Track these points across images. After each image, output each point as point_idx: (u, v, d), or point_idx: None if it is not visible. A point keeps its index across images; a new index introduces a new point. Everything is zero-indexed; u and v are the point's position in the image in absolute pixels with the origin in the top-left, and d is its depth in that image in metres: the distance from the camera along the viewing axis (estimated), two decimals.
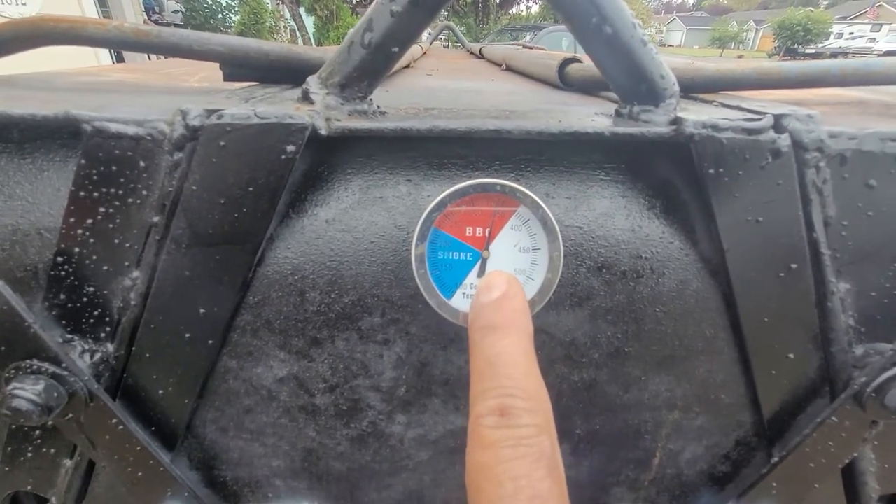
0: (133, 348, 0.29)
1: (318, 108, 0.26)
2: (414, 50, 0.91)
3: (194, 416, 0.32)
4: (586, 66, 0.44)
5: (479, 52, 1.18)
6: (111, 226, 0.27)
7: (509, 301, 0.22)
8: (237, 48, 0.34)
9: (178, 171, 0.26)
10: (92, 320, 0.29)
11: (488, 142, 0.27)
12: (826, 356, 0.30)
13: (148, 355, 0.29)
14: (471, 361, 0.21)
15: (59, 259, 0.27)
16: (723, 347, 0.31)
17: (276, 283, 0.28)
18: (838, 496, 0.35)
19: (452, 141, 0.27)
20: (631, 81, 0.26)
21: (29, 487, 0.33)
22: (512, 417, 0.18)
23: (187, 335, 0.29)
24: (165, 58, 0.39)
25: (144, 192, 0.26)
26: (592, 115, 0.28)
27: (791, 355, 0.30)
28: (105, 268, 0.28)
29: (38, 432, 0.31)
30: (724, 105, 0.30)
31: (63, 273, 0.27)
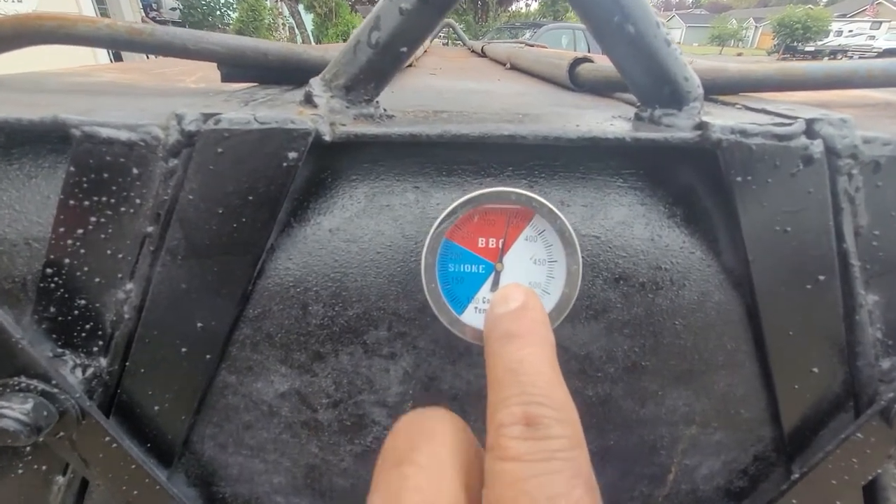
0: (127, 363, 0.27)
1: (322, 113, 0.24)
2: None
3: (192, 432, 0.31)
4: (598, 66, 0.43)
5: (482, 50, 1.16)
6: (103, 236, 0.25)
7: (528, 311, 0.20)
8: (234, 48, 0.32)
9: (174, 178, 0.24)
10: (84, 334, 0.27)
11: (501, 147, 0.25)
12: (851, 370, 0.29)
13: (143, 370, 0.28)
14: (488, 372, 0.19)
15: (49, 270, 0.26)
16: (744, 361, 0.29)
17: (276, 296, 0.27)
18: None
19: (463, 146, 0.25)
20: (653, 84, 0.25)
21: None
22: (541, 428, 0.16)
23: (184, 349, 0.27)
24: (157, 56, 0.37)
25: (138, 201, 0.25)
26: (610, 119, 0.27)
27: (815, 369, 0.29)
28: (97, 280, 0.26)
29: (28, 448, 0.30)
30: (747, 108, 0.29)
31: (53, 285, 0.26)
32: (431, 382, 0.29)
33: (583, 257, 0.27)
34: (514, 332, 0.20)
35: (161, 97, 0.34)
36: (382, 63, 0.24)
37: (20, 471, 0.30)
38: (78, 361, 0.28)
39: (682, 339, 0.28)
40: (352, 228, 0.27)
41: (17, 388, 0.25)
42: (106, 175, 0.24)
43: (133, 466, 0.29)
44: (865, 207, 0.25)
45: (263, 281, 0.27)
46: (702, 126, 0.24)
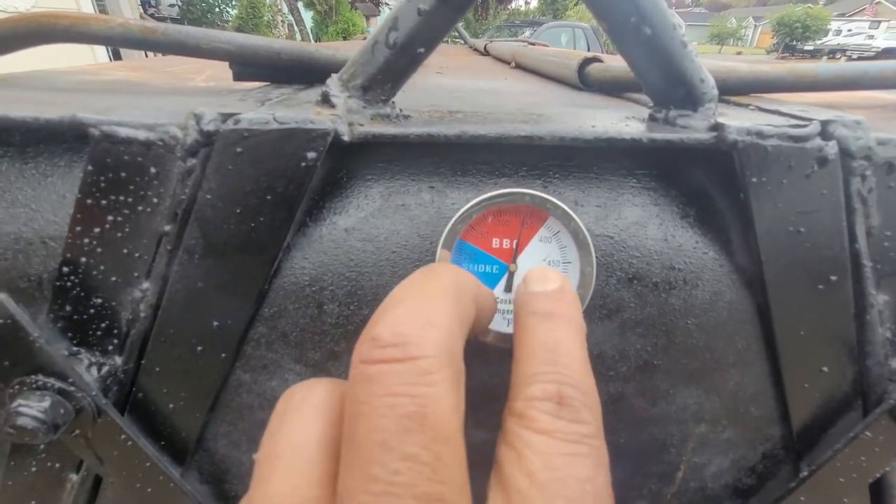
0: (143, 361, 0.28)
1: (340, 113, 0.24)
2: None
3: (205, 430, 0.31)
4: (608, 66, 0.43)
5: (484, 48, 1.16)
6: (120, 235, 0.25)
7: (565, 295, 0.20)
8: (247, 47, 0.32)
9: (192, 178, 0.24)
10: (99, 332, 0.27)
11: (516, 148, 0.26)
12: (861, 369, 0.30)
13: (158, 369, 0.28)
14: (518, 346, 0.19)
15: (65, 269, 0.26)
16: (754, 360, 0.30)
17: (292, 295, 0.27)
18: None
19: (479, 147, 0.25)
20: (668, 85, 0.25)
21: (32, 503, 0.32)
22: (572, 410, 0.17)
23: (199, 348, 0.27)
24: (164, 55, 0.37)
25: (155, 200, 0.25)
26: (625, 120, 0.27)
27: (825, 368, 0.29)
28: (113, 278, 0.26)
29: (42, 446, 0.30)
30: (760, 109, 0.29)
31: (69, 284, 0.26)
32: None
33: (597, 257, 0.27)
34: (552, 311, 0.20)
35: (175, 96, 0.34)
36: (400, 63, 0.24)
37: (34, 468, 0.30)
38: (94, 360, 0.28)
39: (694, 338, 0.29)
40: (367, 228, 0.27)
41: (34, 386, 0.26)
42: (124, 174, 0.24)
43: (147, 464, 0.29)
44: (878, 208, 0.25)
45: (279, 280, 0.27)
46: (717, 127, 0.24)
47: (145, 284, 0.26)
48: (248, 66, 0.34)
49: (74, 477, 0.31)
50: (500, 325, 0.25)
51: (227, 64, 0.36)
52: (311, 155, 0.23)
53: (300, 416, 0.17)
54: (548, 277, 0.21)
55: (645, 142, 0.24)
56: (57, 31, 0.30)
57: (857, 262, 0.26)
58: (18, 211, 0.26)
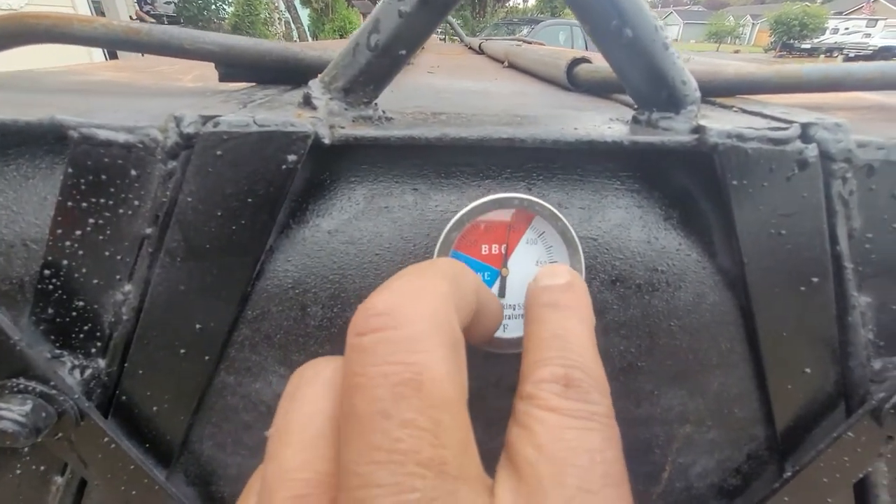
0: (126, 364, 0.28)
1: (321, 115, 0.24)
2: None
3: (190, 433, 0.31)
4: (596, 67, 0.43)
5: (479, 47, 1.16)
6: (101, 237, 0.25)
7: (576, 288, 0.21)
8: (232, 48, 0.32)
9: (172, 180, 0.24)
10: (82, 335, 0.27)
11: (498, 150, 0.26)
12: (843, 370, 0.30)
13: (141, 371, 0.28)
14: (528, 336, 0.20)
15: (47, 272, 0.26)
16: (738, 361, 0.30)
17: (275, 297, 0.27)
18: None
19: (462, 149, 0.25)
20: (651, 87, 0.25)
21: None
22: (580, 391, 0.17)
23: (182, 350, 0.27)
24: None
25: (136, 203, 0.25)
26: (608, 122, 0.27)
27: (808, 370, 0.29)
28: (95, 281, 0.26)
29: (26, 449, 0.30)
30: (744, 111, 0.29)
31: (51, 286, 0.26)
32: None
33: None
34: (561, 302, 0.20)
35: (158, 97, 0.34)
36: (382, 66, 0.24)
37: (18, 471, 0.30)
38: (76, 363, 0.28)
39: (677, 339, 0.29)
40: (350, 230, 0.27)
41: (15, 389, 0.25)
42: (104, 177, 0.24)
43: (132, 467, 0.29)
44: (859, 211, 0.26)
45: (262, 282, 0.27)
46: (699, 130, 0.24)
47: (127, 287, 0.26)
48: (234, 67, 0.34)
49: (59, 479, 0.31)
50: (499, 331, 0.25)
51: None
52: (292, 158, 0.23)
53: (310, 392, 0.17)
54: (557, 272, 0.21)
55: (626, 144, 0.24)
56: (39, 32, 0.30)
57: (838, 263, 0.26)
58: (0, 213, 0.26)
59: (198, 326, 0.27)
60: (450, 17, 2.50)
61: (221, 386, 0.29)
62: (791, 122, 0.24)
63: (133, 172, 0.24)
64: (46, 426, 0.26)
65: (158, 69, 0.53)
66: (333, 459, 0.16)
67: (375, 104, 0.26)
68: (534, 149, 0.25)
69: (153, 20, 8.42)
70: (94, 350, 0.27)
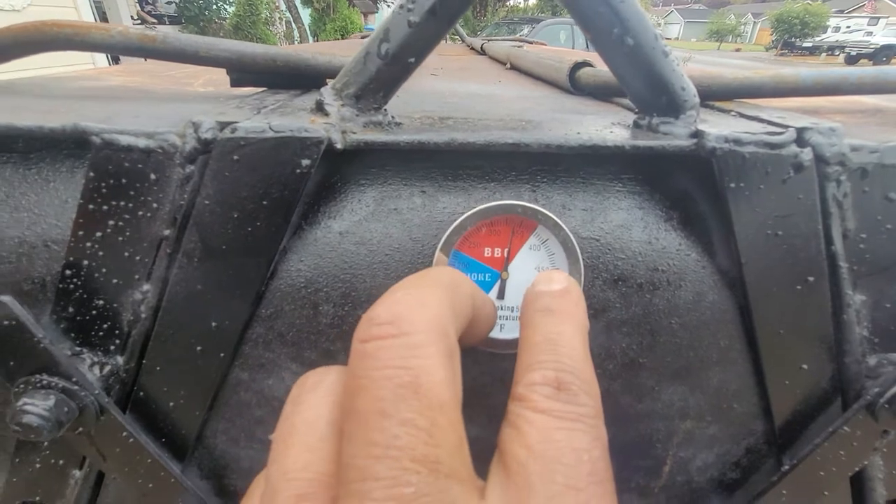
0: (143, 361, 0.28)
1: (334, 121, 0.25)
2: None
3: (205, 427, 0.32)
4: (598, 70, 0.44)
5: (481, 48, 1.17)
6: (121, 239, 0.26)
7: (570, 294, 0.21)
8: (244, 54, 0.33)
9: (190, 184, 0.25)
10: (101, 333, 0.28)
11: (505, 154, 0.26)
12: (839, 366, 0.30)
13: (158, 368, 0.29)
14: (522, 340, 0.20)
15: (68, 272, 0.27)
16: (737, 358, 0.31)
17: (288, 296, 0.28)
18: (846, 502, 0.35)
19: (469, 153, 0.26)
20: (651, 93, 0.26)
21: (37, 498, 0.32)
22: (570, 394, 0.17)
23: (199, 348, 0.28)
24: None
25: (155, 205, 0.26)
26: (610, 127, 0.28)
27: (805, 366, 0.30)
28: (115, 281, 0.27)
29: (46, 443, 0.31)
30: (742, 115, 0.30)
31: (72, 286, 0.27)
32: None
33: (583, 260, 0.28)
34: (556, 308, 0.21)
35: (174, 102, 0.35)
36: (391, 73, 0.25)
37: (38, 465, 0.31)
38: (96, 359, 0.28)
39: (677, 337, 0.30)
40: (361, 231, 0.28)
41: (39, 385, 0.26)
42: (124, 180, 0.25)
43: (149, 460, 0.30)
44: (853, 212, 0.26)
45: (276, 282, 0.28)
46: (697, 135, 0.25)
47: (146, 286, 0.27)
48: (245, 73, 0.35)
49: (78, 473, 0.32)
50: (493, 330, 0.26)
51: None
52: (306, 162, 0.24)
53: (313, 398, 0.19)
54: (553, 278, 0.22)
55: (627, 149, 0.25)
56: (59, 40, 0.31)
57: (833, 263, 0.27)
58: (22, 215, 0.27)
59: (213, 324, 0.28)
60: None
61: (235, 382, 0.30)
62: (787, 126, 0.25)
63: (152, 176, 0.25)
64: (68, 420, 0.27)
65: (169, 73, 0.54)
66: (334, 461, 0.16)
67: (385, 110, 0.27)
68: (538, 153, 0.26)
69: (154, 20, 8.42)
70: (113, 347, 0.28)
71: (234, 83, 0.35)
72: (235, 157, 0.24)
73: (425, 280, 0.19)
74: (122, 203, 0.26)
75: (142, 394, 0.29)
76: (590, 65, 0.46)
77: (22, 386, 0.26)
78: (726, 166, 0.24)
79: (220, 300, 0.27)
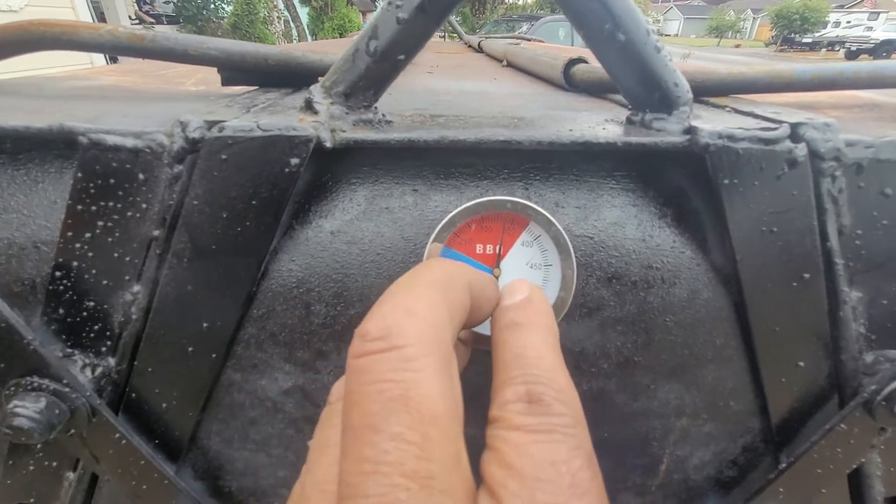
0: (135, 362, 0.28)
1: (323, 119, 0.25)
2: None
3: (198, 428, 0.31)
4: (592, 67, 0.43)
5: (478, 45, 1.16)
6: (110, 239, 0.26)
7: (533, 303, 0.21)
8: (234, 53, 0.33)
9: (179, 184, 0.25)
10: (92, 335, 0.28)
11: (497, 151, 0.26)
12: (836, 364, 0.30)
13: (150, 369, 0.28)
14: (494, 358, 0.20)
15: (58, 273, 0.26)
16: (732, 356, 0.30)
17: (280, 296, 0.28)
18: (844, 499, 0.35)
19: (460, 150, 0.26)
20: (643, 89, 0.25)
21: (31, 500, 0.32)
22: (542, 405, 0.17)
23: (190, 349, 0.28)
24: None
25: (144, 206, 0.25)
26: (603, 123, 0.27)
27: (801, 363, 0.30)
28: (105, 282, 0.27)
29: (39, 446, 0.30)
30: (736, 111, 0.30)
31: (62, 287, 0.27)
32: None
33: (577, 257, 0.28)
34: (519, 321, 0.20)
35: (163, 102, 0.35)
36: (381, 70, 0.25)
37: (31, 467, 0.31)
38: (87, 361, 0.28)
39: (672, 335, 0.29)
40: (352, 230, 0.28)
41: (29, 387, 0.26)
42: (112, 181, 0.25)
43: (142, 462, 0.30)
44: (849, 208, 0.26)
45: (267, 282, 0.28)
46: (691, 131, 0.24)
47: (136, 287, 0.27)
48: (236, 72, 0.35)
49: (71, 475, 0.32)
50: (481, 326, 0.26)
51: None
52: (295, 161, 0.24)
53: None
54: (515, 290, 0.22)
55: (620, 145, 0.24)
56: (47, 39, 0.30)
57: (829, 259, 0.27)
58: (11, 216, 0.27)
59: (205, 325, 0.27)
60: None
61: (228, 383, 0.30)
62: (781, 122, 0.25)
63: (141, 176, 0.25)
64: (60, 423, 0.27)
65: (161, 73, 0.53)
66: None
67: (375, 107, 0.27)
68: (531, 150, 0.25)
69: (153, 20, 8.41)
70: (104, 349, 0.28)
71: (225, 82, 0.35)
72: (224, 157, 0.24)
73: (416, 283, 0.18)
74: (111, 203, 0.25)
75: (134, 395, 0.29)
76: (584, 61, 0.45)
77: (13, 388, 0.26)
78: (720, 162, 0.24)
79: (211, 301, 0.27)
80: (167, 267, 0.26)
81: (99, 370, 0.28)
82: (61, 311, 0.27)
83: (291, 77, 0.35)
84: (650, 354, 0.30)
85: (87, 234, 0.26)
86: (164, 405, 0.29)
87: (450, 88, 0.49)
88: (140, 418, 0.30)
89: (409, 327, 0.16)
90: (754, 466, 0.35)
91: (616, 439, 0.33)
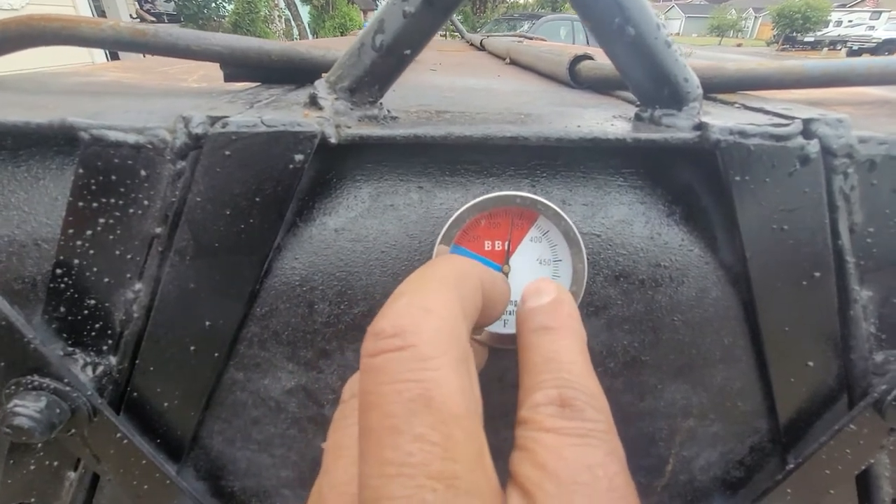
0: (137, 361, 0.28)
1: (328, 115, 0.24)
2: None
3: (200, 428, 0.31)
4: (598, 64, 0.43)
5: (481, 43, 1.16)
6: (112, 237, 0.26)
7: (562, 305, 0.21)
8: (237, 48, 0.32)
9: (181, 180, 0.24)
10: (94, 333, 0.28)
11: (503, 148, 0.26)
12: (845, 363, 0.30)
13: (152, 368, 0.28)
14: (522, 361, 0.20)
15: (59, 271, 0.26)
16: (741, 355, 0.30)
17: (283, 295, 0.27)
18: (852, 500, 0.35)
19: (467, 147, 0.26)
20: (653, 85, 0.25)
21: (32, 500, 0.32)
22: (575, 409, 0.17)
23: (192, 348, 0.28)
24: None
25: (146, 203, 0.25)
26: (611, 120, 0.27)
27: (810, 363, 0.30)
28: (106, 280, 0.27)
29: (40, 445, 0.30)
30: (746, 107, 0.29)
31: (63, 285, 0.26)
32: None
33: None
34: (549, 324, 0.20)
35: (165, 98, 0.34)
36: (386, 66, 0.25)
37: (32, 467, 0.31)
38: (88, 360, 0.28)
39: (680, 334, 0.29)
40: (357, 228, 0.27)
41: (30, 386, 0.26)
42: (114, 177, 0.25)
43: (143, 461, 0.29)
44: (860, 205, 0.26)
45: (270, 280, 0.27)
46: (701, 127, 0.24)
47: (138, 285, 0.27)
48: (239, 67, 0.34)
49: (72, 474, 0.31)
50: (496, 326, 0.26)
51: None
52: (299, 157, 0.23)
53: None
54: (542, 290, 0.21)
55: (629, 141, 0.24)
56: (47, 34, 0.30)
57: (840, 258, 0.27)
58: (11, 213, 0.27)
59: (207, 324, 0.27)
60: None
61: (231, 382, 0.29)
62: (793, 118, 0.25)
63: (143, 173, 0.25)
64: (60, 422, 0.26)
65: (163, 69, 0.53)
66: None
67: (380, 103, 0.27)
68: (538, 146, 0.25)
69: (153, 19, 8.41)
70: (105, 347, 0.28)
71: (228, 78, 0.34)
72: (227, 153, 0.23)
73: (429, 280, 0.18)
74: (113, 200, 0.25)
75: (135, 394, 0.29)
76: (590, 58, 0.45)
77: (13, 387, 0.26)
78: (731, 159, 0.24)
79: (214, 299, 0.27)
80: (169, 265, 0.26)
81: (100, 369, 0.28)
82: (62, 309, 0.27)
83: (295, 73, 0.35)
84: (657, 354, 0.30)
85: (89, 232, 0.26)
86: (165, 404, 0.29)
87: (454, 85, 0.49)
88: (141, 418, 0.29)
89: (425, 325, 0.15)
90: (761, 467, 0.34)
91: (623, 439, 0.32)
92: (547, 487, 0.15)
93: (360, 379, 0.16)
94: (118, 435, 0.28)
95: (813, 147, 0.24)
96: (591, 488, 0.15)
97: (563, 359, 0.19)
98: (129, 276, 0.26)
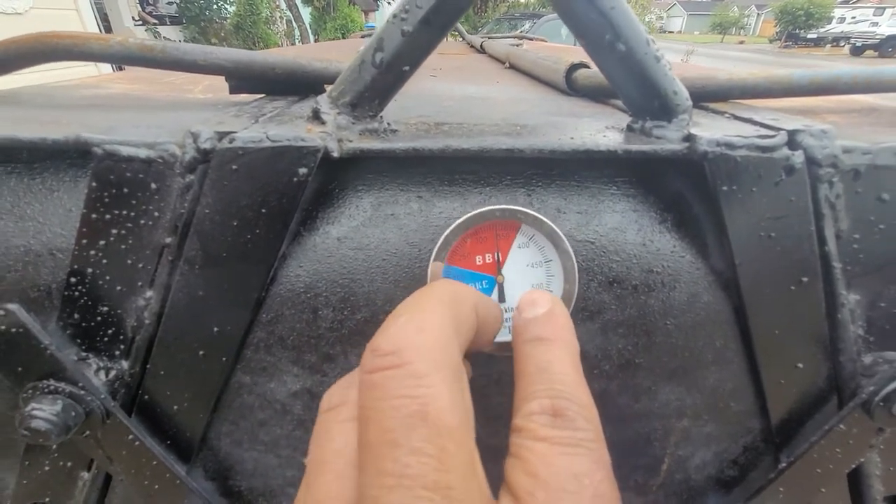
0: (148, 365, 0.29)
1: (330, 129, 0.25)
2: None
3: (209, 430, 0.32)
4: (594, 72, 0.44)
5: (481, 46, 1.17)
6: (124, 247, 0.27)
7: (556, 317, 0.22)
8: (242, 62, 0.33)
9: (190, 193, 0.25)
10: (106, 339, 0.29)
11: (500, 159, 0.27)
12: (835, 365, 0.31)
13: (162, 372, 0.29)
14: (517, 371, 0.21)
15: (73, 279, 0.27)
16: (732, 358, 0.31)
17: (288, 301, 0.29)
18: (843, 498, 0.35)
19: (464, 159, 0.27)
20: (643, 97, 0.26)
21: (47, 500, 0.33)
22: (567, 419, 0.18)
23: (201, 352, 0.29)
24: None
25: (156, 214, 0.26)
26: (604, 130, 0.28)
27: (800, 365, 0.30)
28: (119, 288, 0.28)
29: (55, 447, 0.31)
30: (735, 117, 0.30)
31: (77, 293, 0.28)
32: None
33: (578, 262, 0.28)
34: (543, 335, 0.21)
35: (173, 110, 0.35)
36: (386, 81, 0.26)
37: (47, 467, 0.32)
38: (101, 364, 0.29)
39: (673, 337, 0.30)
40: (359, 237, 0.28)
41: (46, 390, 0.27)
42: (126, 190, 0.26)
43: (154, 462, 0.30)
44: (846, 213, 0.27)
45: (276, 287, 0.28)
46: (689, 138, 0.25)
47: (149, 293, 0.28)
48: (244, 80, 0.35)
49: (86, 475, 0.32)
50: (501, 334, 0.27)
51: None
52: (303, 170, 0.24)
53: (340, 423, 0.19)
54: (537, 302, 0.22)
55: (620, 153, 0.25)
56: (59, 51, 0.31)
57: (827, 264, 0.27)
58: (27, 224, 0.28)
59: (215, 329, 0.28)
60: None
61: (238, 385, 0.31)
62: (779, 129, 0.25)
63: (153, 185, 0.26)
64: (75, 424, 0.27)
65: (169, 79, 0.54)
66: None
67: (381, 117, 0.28)
68: (532, 158, 0.26)
69: (156, 21, 8.43)
70: (118, 352, 0.29)
71: (233, 90, 0.35)
72: (234, 167, 0.24)
73: (425, 301, 0.19)
74: (124, 212, 0.26)
75: (147, 397, 0.30)
76: (586, 66, 0.46)
77: (30, 391, 0.27)
78: (718, 170, 0.25)
79: (222, 306, 0.28)
80: (179, 273, 0.27)
81: (113, 373, 0.29)
82: (76, 315, 0.28)
83: (297, 85, 0.36)
84: (651, 357, 0.30)
85: (102, 242, 0.27)
86: (175, 407, 0.30)
87: (453, 93, 0.50)
88: (152, 420, 0.31)
89: (420, 343, 0.17)
90: (755, 466, 0.35)
91: (618, 440, 0.33)
92: (538, 495, 0.16)
93: (360, 395, 0.17)
94: (130, 437, 0.29)
95: (798, 158, 0.25)
96: (578, 496, 0.16)
97: (555, 370, 0.20)
98: (140, 284, 0.28)
